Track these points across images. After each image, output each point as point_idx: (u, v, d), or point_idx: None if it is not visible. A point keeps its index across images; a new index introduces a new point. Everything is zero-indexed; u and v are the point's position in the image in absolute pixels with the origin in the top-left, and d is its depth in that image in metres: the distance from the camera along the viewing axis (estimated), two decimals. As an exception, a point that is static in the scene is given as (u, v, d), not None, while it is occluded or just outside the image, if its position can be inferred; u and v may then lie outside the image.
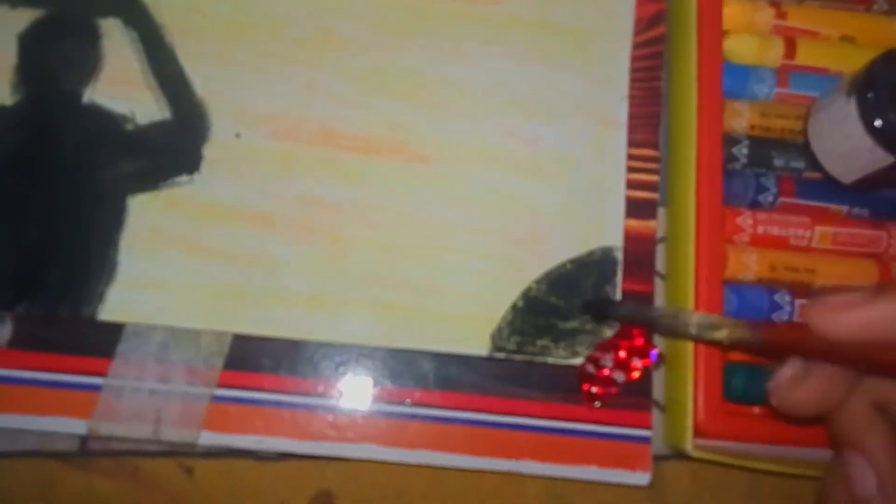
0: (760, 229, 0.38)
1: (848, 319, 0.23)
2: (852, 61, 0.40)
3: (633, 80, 0.41)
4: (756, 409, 0.36)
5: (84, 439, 0.36)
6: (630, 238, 0.38)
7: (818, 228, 0.38)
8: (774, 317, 0.37)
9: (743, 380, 0.35)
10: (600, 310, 0.37)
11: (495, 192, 0.39)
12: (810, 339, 0.25)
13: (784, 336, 0.27)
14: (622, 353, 0.36)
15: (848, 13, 0.41)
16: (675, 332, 0.33)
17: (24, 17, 0.37)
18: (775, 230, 0.38)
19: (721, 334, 0.28)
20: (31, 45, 0.37)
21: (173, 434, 0.35)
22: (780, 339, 0.27)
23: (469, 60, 0.40)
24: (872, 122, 0.34)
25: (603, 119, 0.40)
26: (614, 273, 0.38)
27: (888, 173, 0.35)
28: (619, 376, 0.36)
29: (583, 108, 0.40)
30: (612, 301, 0.37)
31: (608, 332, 0.37)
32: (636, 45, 0.41)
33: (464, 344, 0.36)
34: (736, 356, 0.36)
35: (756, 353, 0.36)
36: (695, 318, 0.29)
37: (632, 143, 0.40)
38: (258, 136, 0.38)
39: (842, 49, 0.41)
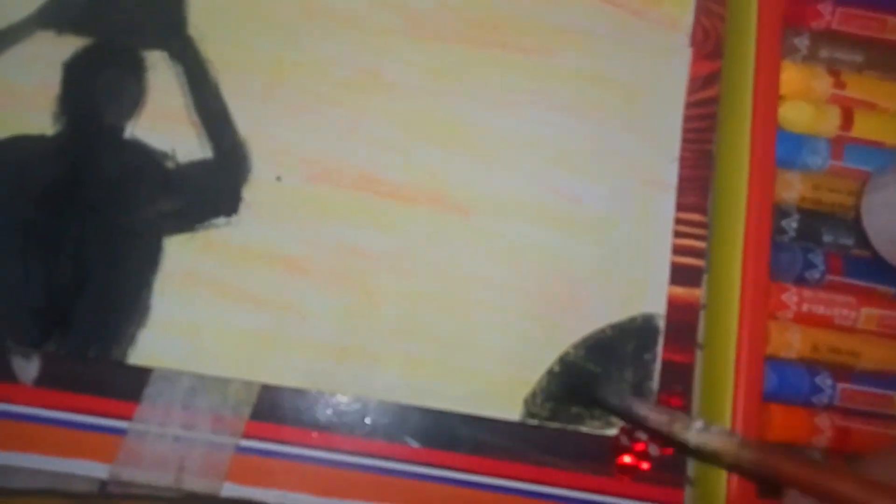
0: (805, 307, 0.37)
1: None
2: (910, 137, 0.39)
3: (684, 142, 0.40)
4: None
5: (103, 483, 0.35)
6: (673, 305, 0.37)
7: (864, 310, 0.37)
8: (814, 400, 0.36)
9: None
10: (592, 393, 0.35)
11: (535, 250, 0.38)
12: (815, 478, 0.23)
13: (785, 469, 0.26)
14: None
15: (908, 86, 0.40)
16: (666, 435, 0.30)
17: (69, 45, 0.37)
18: (820, 309, 0.37)
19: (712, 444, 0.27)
20: (75, 74, 0.36)
21: (195, 483, 0.34)
22: (778, 469, 0.26)
23: (515, 111, 0.39)
24: (932, 211, 0.33)
25: (651, 180, 0.39)
26: (655, 342, 0.37)
27: (944, 263, 0.34)
28: (654, 449, 0.35)
29: (630, 167, 0.39)
30: (607, 388, 0.35)
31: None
32: (689, 105, 0.40)
33: (496, 406, 0.36)
34: (774, 435, 0.35)
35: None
36: (692, 428, 0.28)
37: (680, 207, 0.39)
38: (298, 180, 0.37)
39: (900, 123, 0.40)
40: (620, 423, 0.36)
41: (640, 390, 0.36)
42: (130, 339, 0.34)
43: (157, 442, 0.34)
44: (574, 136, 0.39)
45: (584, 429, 0.36)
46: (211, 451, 0.34)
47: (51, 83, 0.36)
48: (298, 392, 0.35)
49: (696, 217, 0.39)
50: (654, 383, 0.36)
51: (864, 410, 0.36)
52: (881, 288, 0.38)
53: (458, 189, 0.38)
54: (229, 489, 0.34)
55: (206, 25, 0.38)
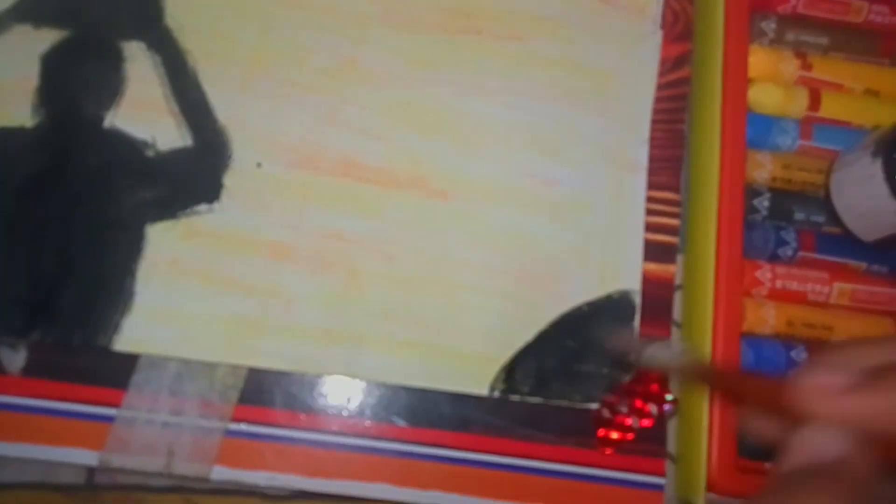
0: (779, 283, 0.38)
1: (842, 407, 0.21)
2: (876, 115, 0.40)
3: (655, 122, 0.40)
4: (769, 465, 0.36)
5: (91, 472, 0.35)
6: (648, 281, 0.38)
7: (836, 285, 0.38)
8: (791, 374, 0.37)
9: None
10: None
11: (513, 231, 0.38)
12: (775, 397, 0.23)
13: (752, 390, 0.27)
14: (638, 400, 0.36)
15: (872, 66, 0.42)
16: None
17: (47, 38, 0.37)
18: (794, 285, 0.38)
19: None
20: (54, 66, 0.36)
21: (185, 468, 0.34)
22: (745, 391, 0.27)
23: (491, 97, 0.40)
24: (897, 185, 0.34)
25: (623, 161, 0.40)
26: (632, 317, 0.38)
27: (910, 235, 0.36)
28: (635, 422, 0.36)
29: (603, 149, 0.40)
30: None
31: (625, 378, 0.37)
32: (660, 87, 0.41)
33: (478, 383, 0.36)
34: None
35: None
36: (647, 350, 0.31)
37: (652, 186, 0.40)
38: (279, 166, 0.38)
39: (866, 103, 0.41)
40: (601, 397, 0.36)
41: (620, 364, 0.36)
42: (115, 327, 0.34)
43: (146, 428, 0.35)
44: (548, 120, 0.40)
45: (565, 403, 0.36)
46: (200, 436, 0.35)
47: (29, 76, 0.36)
48: (285, 375, 0.36)
49: (668, 195, 0.40)
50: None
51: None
52: (853, 263, 0.39)
53: (438, 174, 0.39)
54: (219, 472, 0.34)
55: (183, 16, 0.38)
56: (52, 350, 0.35)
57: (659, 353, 0.31)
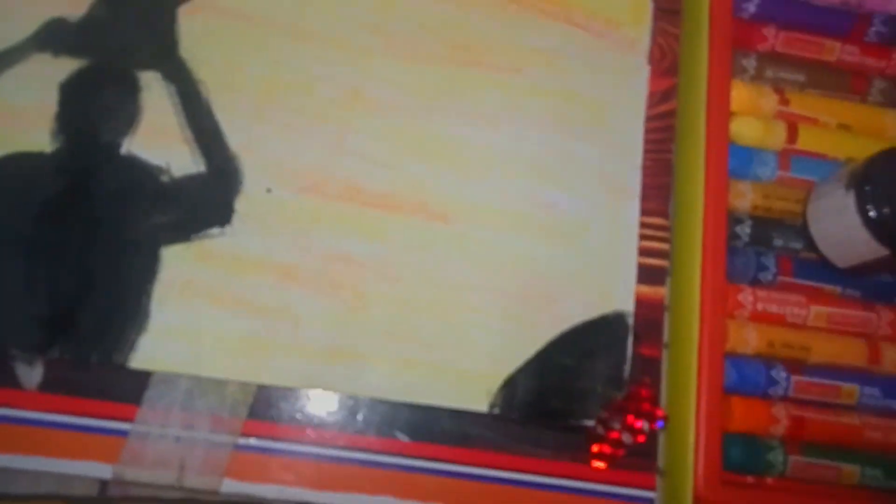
0: (760, 306, 0.40)
1: None
2: (849, 148, 0.43)
3: (645, 151, 0.43)
4: (750, 479, 0.38)
5: (104, 485, 0.36)
6: (640, 303, 0.40)
7: (813, 308, 0.40)
8: (771, 392, 0.39)
9: (740, 450, 0.38)
10: None
11: (512, 254, 0.40)
12: None
13: None
14: (630, 416, 0.38)
15: (845, 103, 0.44)
16: None
17: (65, 67, 0.38)
18: (774, 308, 0.40)
19: None
20: (72, 93, 0.38)
21: (196, 481, 0.36)
22: None
23: (491, 126, 0.42)
24: (868, 216, 0.37)
25: (617, 187, 0.42)
26: (625, 337, 0.40)
27: (882, 262, 0.38)
28: (627, 438, 0.38)
29: (598, 175, 0.42)
30: None
31: (618, 395, 0.39)
32: (649, 118, 0.43)
33: (478, 400, 0.38)
34: (735, 425, 0.38)
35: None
36: None
37: (643, 212, 0.42)
38: (287, 191, 0.39)
39: (840, 136, 0.43)
40: (595, 414, 0.38)
41: (613, 382, 0.38)
42: (131, 345, 0.36)
43: (158, 442, 0.36)
44: (545, 147, 0.42)
45: (560, 420, 0.38)
46: (210, 450, 0.36)
47: (49, 102, 0.38)
48: (293, 392, 0.37)
49: (658, 221, 0.42)
50: (626, 375, 0.39)
51: (817, 400, 0.39)
52: (828, 287, 0.41)
53: (440, 198, 0.41)
54: (229, 486, 0.36)
55: (197, 48, 0.39)
56: (67, 366, 0.36)
57: None
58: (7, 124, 0.37)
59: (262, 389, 0.37)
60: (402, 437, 0.38)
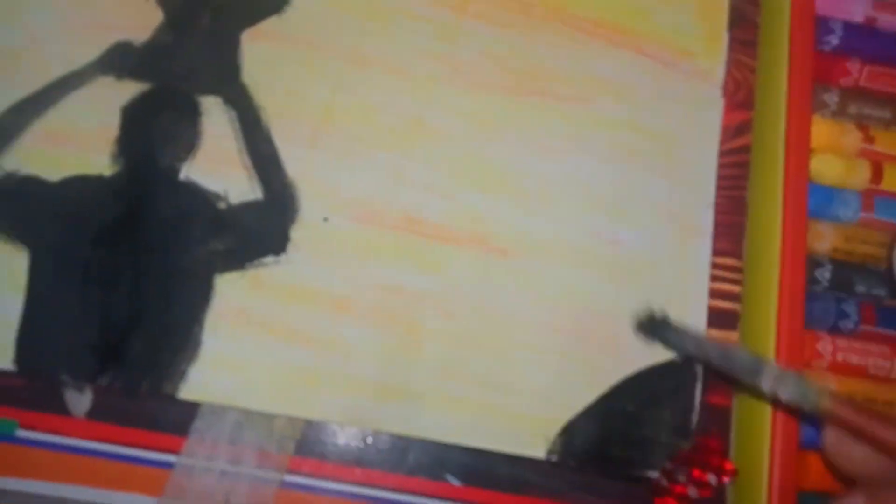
0: (840, 356, 0.38)
1: None
2: (938, 191, 0.40)
3: (717, 188, 0.41)
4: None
5: (149, 515, 0.36)
6: (709, 350, 0.38)
7: (898, 360, 0.38)
8: None
9: (817, 510, 0.35)
10: (652, 330, 0.36)
11: (574, 292, 0.39)
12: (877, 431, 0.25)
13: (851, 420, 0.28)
14: (696, 469, 0.36)
15: (934, 141, 0.42)
16: (743, 379, 0.32)
17: (128, 90, 0.38)
18: (854, 358, 0.38)
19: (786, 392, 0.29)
20: (133, 117, 0.38)
21: (241, 518, 0.35)
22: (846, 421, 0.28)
23: (555, 157, 0.40)
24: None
25: (687, 225, 0.40)
26: (694, 384, 0.37)
27: (976, 315, 0.35)
28: (693, 492, 0.36)
29: (667, 212, 0.40)
30: (667, 323, 0.36)
31: (684, 446, 0.36)
32: (722, 153, 0.41)
33: (535, 446, 0.36)
34: (811, 483, 0.36)
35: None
36: (774, 372, 0.30)
37: (714, 252, 0.40)
38: (344, 220, 0.38)
39: (928, 177, 0.41)
40: (660, 465, 0.36)
41: (679, 431, 0.36)
42: (182, 375, 0.35)
43: (204, 476, 0.35)
44: (612, 181, 0.40)
45: (623, 470, 0.36)
46: (256, 486, 0.35)
47: (110, 126, 0.37)
48: (342, 428, 0.36)
49: (730, 262, 0.40)
50: (693, 425, 0.36)
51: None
52: (914, 338, 0.39)
53: (500, 231, 0.39)
54: (274, 525, 0.35)
55: (258, 73, 0.39)
56: (116, 394, 0.35)
57: (785, 380, 0.30)
58: (68, 147, 0.37)
59: (310, 425, 0.36)
60: (454, 481, 0.36)
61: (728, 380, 0.34)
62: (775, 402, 0.35)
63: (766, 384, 0.30)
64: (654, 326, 0.37)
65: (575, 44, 0.42)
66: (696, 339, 0.35)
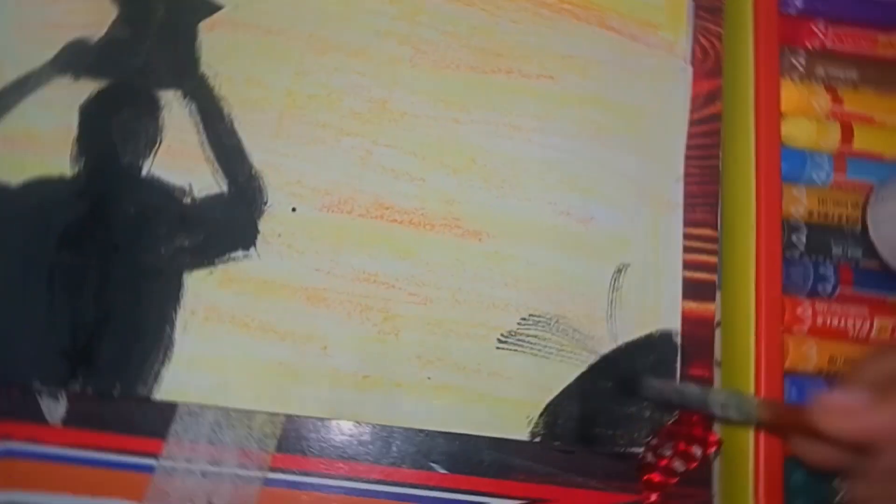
0: (820, 320, 0.37)
1: (849, 425, 0.25)
2: (909, 148, 0.40)
3: (689, 158, 0.40)
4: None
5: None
6: (688, 321, 0.38)
7: (878, 320, 0.38)
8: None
9: (803, 475, 0.35)
10: (631, 389, 0.36)
11: (549, 272, 0.38)
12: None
13: (789, 420, 0.29)
14: (681, 442, 0.35)
15: (903, 99, 0.41)
16: (701, 410, 0.34)
17: (85, 89, 0.37)
18: (834, 321, 0.38)
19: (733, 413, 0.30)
20: (92, 116, 0.37)
21: (224, 518, 0.34)
22: (785, 422, 0.29)
23: (524, 136, 0.40)
24: (939, 220, 0.34)
25: (658, 199, 0.40)
26: (673, 357, 0.37)
27: (953, 270, 0.35)
28: (679, 465, 0.35)
29: (638, 187, 0.40)
30: (640, 380, 0.36)
31: (667, 419, 0.36)
32: (692, 123, 0.41)
33: (518, 429, 0.36)
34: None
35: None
36: (719, 398, 0.31)
37: (689, 223, 0.39)
38: (313, 210, 0.38)
39: (898, 136, 0.41)
40: (644, 440, 0.36)
41: (661, 407, 0.36)
42: (155, 376, 0.34)
43: (185, 477, 0.34)
44: (582, 158, 0.40)
45: (607, 447, 0.36)
46: (239, 486, 0.34)
47: (69, 126, 0.37)
48: (322, 423, 0.36)
49: (706, 232, 0.39)
50: (675, 399, 0.36)
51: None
52: (892, 297, 0.39)
53: (472, 214, 0.39)
54: (258, 522, 0.34)
55: (218, 63, 0.38)
56: (92, 399, 0.34)
57: (728, 402, 0.31)
58: (27, 150, 0.36)
59: (290, 421, 0.35)
60: (439, 469, 0.36)
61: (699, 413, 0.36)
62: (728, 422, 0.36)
63: (716, 411, 0.31)
64: (629, 388, 0.36)
65: (539, 21, 0.41)
66: (661, 388, 0.36)
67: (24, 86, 0.37)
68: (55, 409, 0.34)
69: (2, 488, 0.34)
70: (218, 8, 0.39)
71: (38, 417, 0.34)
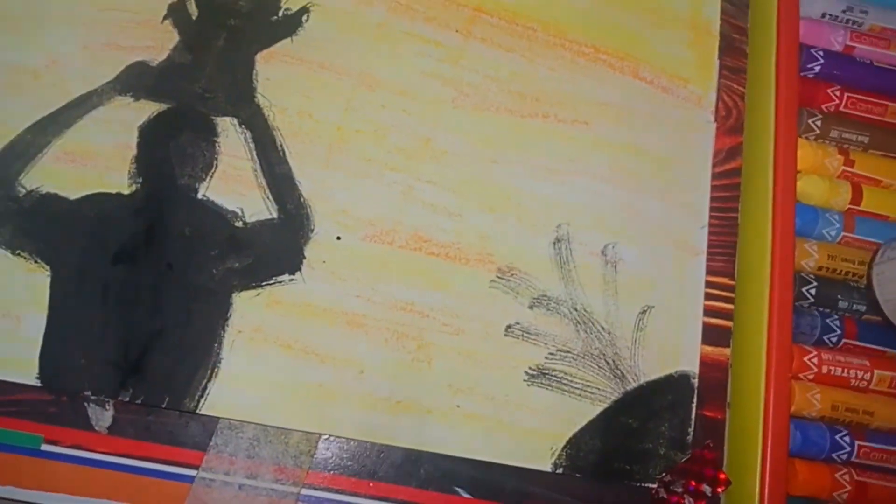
0: (825, 369, 0.40)
1: None
2: (913, 212, 0.43)
3: (711, 209, 0.43)
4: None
5: (169, 527, 0.36)
6: (705, 364, 0.40)
7: (877, 372, 0.40)
8: (835, 456, 0.39)
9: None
10: None
11: (578, 310, 0.40)
12: None
13: None
14: (692, 480, 0.38)
15: (909, 165, 0.44)
16: None
17: (145, 110, 0.39)
18: (838, 370, 0.40)
19: None
20: (151, 137, 0.38)
21: (260, 530, 0.36)
22: None
23: (557, 178, 0.42)
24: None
25: (684, 245, 0.42)
26: (690, 398, 0.39)
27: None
28: (689, 502, 0.37)
29: (665, 232, 0.42)
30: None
31: (681, 458, 0.38)
32: (714, 176, 0.43)
33: (540, 459, 0.38)
34: (797, 490, 0.38)
35: None
36: None
37: (709, 271, 0.42)
38: (356, 239, 0.39)
39: (903, 199, 0.43)
40: (658, 476, 0.38)
41: (676, 444, 0.38)
42: (202, 391, 0.36)
43: (223, 490, 0.36)
44: (611, 201, 0.42)
45: (624, 481, 0.38)
46: (274, 500, 0.36)
47: (127, 145, 0.38)
48: (355, 443, 0.37)
49: (723, 280, 0.42)
50: (689, 437, 0.38)
51: (880, 466, 0.39)
52: (891, 351, 0.41)
53: (505, 250, 0.41)
54: (292, 536, 0.36)
55: (273, 95, 0.40)
56: (137, 410, 0.36)
57: None
58: (88, 165, 0.38)
59: (326, 440, 0.37)
60: (463, 493, 0.37)
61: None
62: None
63: None
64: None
65: (576, 67, 0.44)
66: None
67: (86, 103, 0.38)
68: (102, 417, 0.36)
69: (48, 491, 0.35)
70: (276, 40, 0.40)
71: (86, 425, 0.36)
